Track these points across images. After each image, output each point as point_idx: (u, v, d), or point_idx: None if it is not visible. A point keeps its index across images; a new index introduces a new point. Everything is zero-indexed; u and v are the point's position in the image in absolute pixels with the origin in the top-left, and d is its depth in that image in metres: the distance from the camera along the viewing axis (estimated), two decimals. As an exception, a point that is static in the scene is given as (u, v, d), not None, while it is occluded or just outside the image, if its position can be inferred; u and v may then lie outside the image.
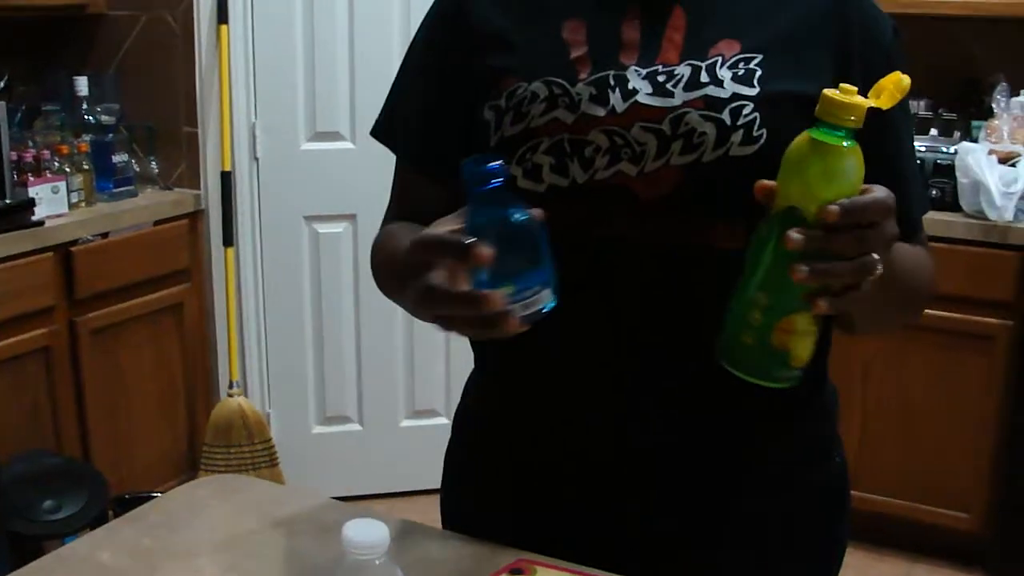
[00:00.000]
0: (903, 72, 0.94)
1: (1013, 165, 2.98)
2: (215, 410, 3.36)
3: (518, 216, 0.90)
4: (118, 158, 3.20)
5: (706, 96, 1.06)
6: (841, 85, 0.91)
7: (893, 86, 0.92)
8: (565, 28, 1.11)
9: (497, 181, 0.89)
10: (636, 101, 1.07)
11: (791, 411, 1.16)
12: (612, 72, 1.08)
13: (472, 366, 1.30)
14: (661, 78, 1.07)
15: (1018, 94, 3.18)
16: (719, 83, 1.06)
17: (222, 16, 3.26)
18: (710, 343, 1.07)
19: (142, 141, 3.36)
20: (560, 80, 1.09)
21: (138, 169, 3.31)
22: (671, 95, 1.07)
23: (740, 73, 1.07)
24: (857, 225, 0.87)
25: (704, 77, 1.07)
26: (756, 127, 1.05)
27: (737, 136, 1.04)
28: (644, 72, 1.08)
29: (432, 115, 1.20)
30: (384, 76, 3.73)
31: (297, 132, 3.43)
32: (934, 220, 3.00)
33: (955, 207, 3.03)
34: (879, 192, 0.90)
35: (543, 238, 0.92)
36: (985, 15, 3.18)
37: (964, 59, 3.47)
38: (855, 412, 3.13)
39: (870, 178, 0.92)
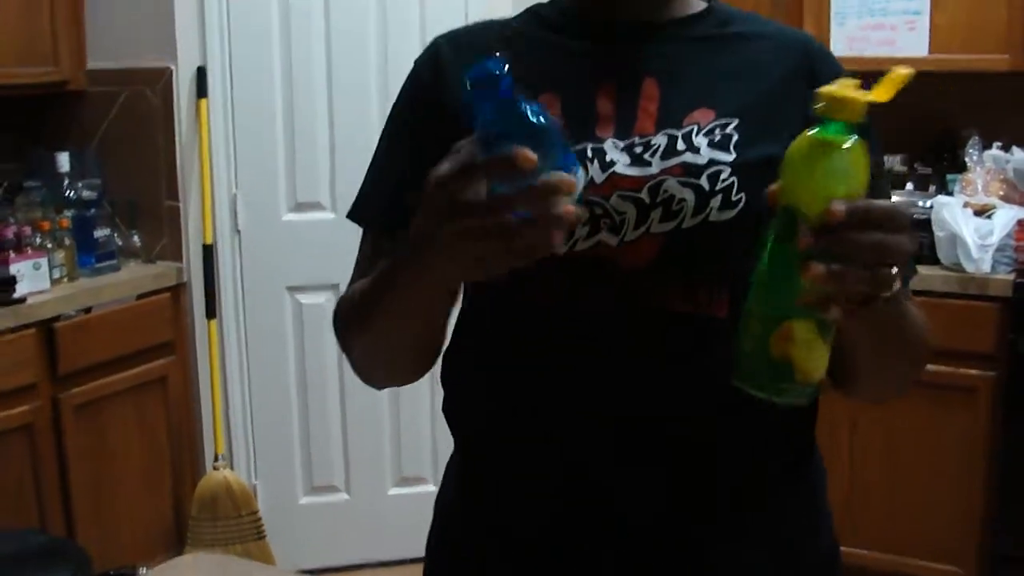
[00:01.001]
0: (869, 127, 0.94)
1: (988, 217, 3.01)
2: (201, 483, 3.34)
3: (534, 109, 0.86)
4: (100, 233, 3.20)
5: (683, 163, 1.06)
6: (840, 79, 0.88)
7: (890, 80, 0.89)
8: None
9: (507, 79, 0.84)
10: (614, 172, 1.07)
11: (777, 488, 1.15)
12: (590, 145, 1.08)
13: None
14: (638, 149, 1.08)
15: (990, 147, 3.22)
16: (696, 150, 1.07)
17: (202, 90, 3.29)
18: (696, 412, 1.07)
19: (124, 215, 3.38)
20: None
21: (120, 243, 3.31)
22: (648, 164, 1.07)
23: (716, 139, 1.07)
24: (865, 228, 0.84)
25: (681, 145, 1.07)
26: (735, 192, 1.05)
27: (716, 201, 1.05)
28: (622, 144, 1.08)
29: (409, 184, 1.13)
30: (363, 145, 3.75)
31: (278, 203, 3.44)
32: (913, 274, 3.03)
33: (933, 260, 3.06)
34: (886, 202, 0.89)
35: (555, 122, 0.88)
36: (956, 71, 3.22)
37: (937, 114, 3.51)
38: (843, 466, 3.12)
39: None
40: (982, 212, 3.04)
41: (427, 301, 1.03)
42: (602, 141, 1.09)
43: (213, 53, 3.31)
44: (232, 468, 3.43)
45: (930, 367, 3.22)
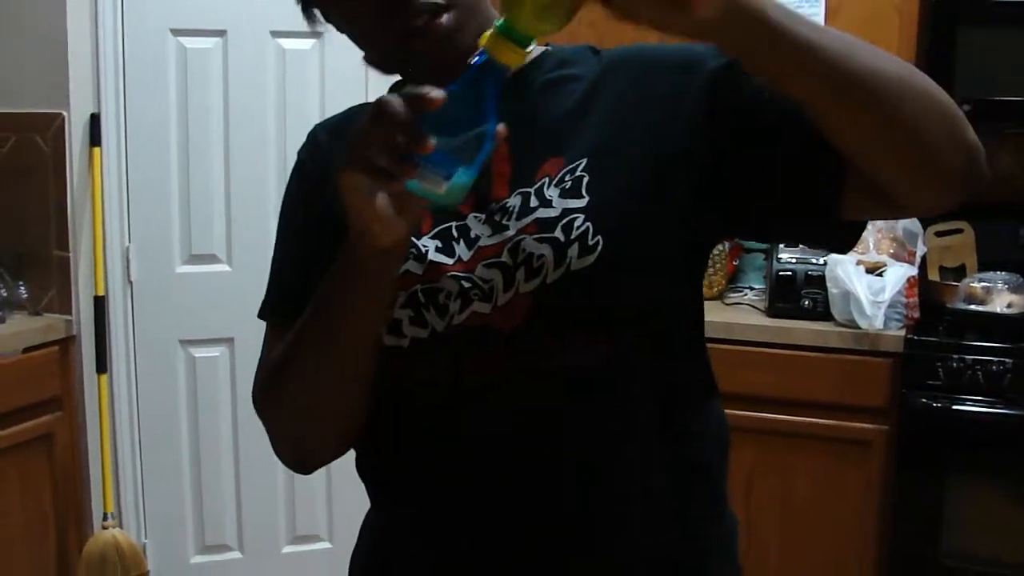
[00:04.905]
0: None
1: (880, 275, 3.07)
2: (88, 544, 3.22)
3: (485, 114, 0.89)
4: (-16, 284, 3.10)
5: (537, 219, 1.06)
6: None
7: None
8: None
9: (480, 57, 0.89)
10: (479, 246, 1.07)
11: (693, 548, 1.16)
12: (454, 224, 1.09)
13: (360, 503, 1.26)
14: (497, 216, 1.08)
15: (881, 206, 3.29)
16: (548, 203, 1.07)
17: (95, 138, 3.21)
18: (593, 463, 1.07)
19: (10, 266, 3.26)
20: None
21: (5, 295, 3.20)
22: (507, 228, 1.07)
23: (568, 187, 1.07)
24: None
25: (534, 202, 1.07)
26: (591, 236, 1.04)
27: (573, 250, 1.04)
28: (483, 217, 1.08)
29: (307, 272, 1.13)
30: (260, 197, 3.71)
31: (172, 255, 3.38)
32: (808, 330, 3.08)
33: (827, 317, 3.11)
34: None
35: (487, 146, 0.89)
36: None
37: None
38: (739, 521, 3.14)
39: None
40: (874, 270, 3.10)
41: (358, 290, 1.01)
42: (464, 217, 1.09)
43: (107, 100, 3.24)
44: (121, 527, 3.32)
45: (825, 421, 3.30)
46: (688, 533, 1.15)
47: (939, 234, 3.38)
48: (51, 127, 3.21)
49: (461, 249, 1.08)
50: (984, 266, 3.29)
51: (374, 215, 0.89)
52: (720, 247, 3.48)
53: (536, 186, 1.08)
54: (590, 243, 1.04)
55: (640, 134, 1.08)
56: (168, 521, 3.48)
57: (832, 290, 3.08)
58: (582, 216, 1.05)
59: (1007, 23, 3.09)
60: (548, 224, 1.05)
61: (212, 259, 3.39)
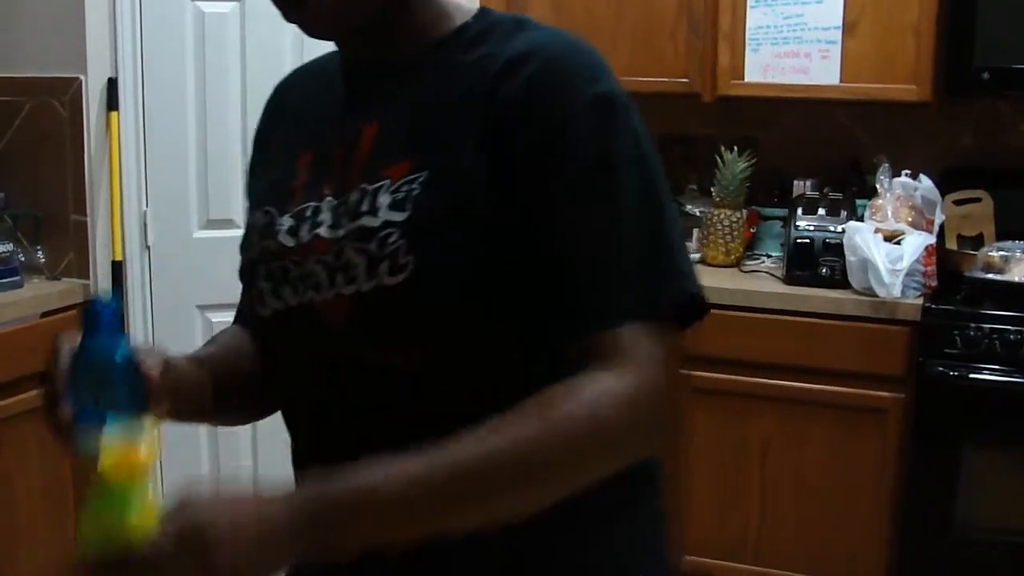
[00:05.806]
0: (603, 143, 0.99)
1: (898, 243, 3.06)
2: (105, 507, 3.24)
3: (119, 350, 1.04)
4: (2, 248, 3.10)
5: (360, 227, 1.04)
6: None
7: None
8: (301, 157, 1.14)
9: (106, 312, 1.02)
10: (317, 234, 1.08)
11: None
12: (313, 204, 1.10)
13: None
14: (340, 208, 1.07)
15: (899, 175, 3.28)
16: (374, 212, 1.04)
17: (112, 103, 3.21)
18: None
19: (28, 230, 3.28)
20: (273, 209, 1.14)
21: (23, 259, 3.21)
22: (340, 227, 1.06)
23: (399, 197, 1.03)
24: None
25: (364, 206, 1.05)
26: (402, 254, 1.01)
27: (384, 266, 1.01)
28: (335, 202, 1.08)
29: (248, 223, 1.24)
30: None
31: (189, 220, 3.38)
32: (825, 298, 3.07)
33: (844, 285, 3.11)
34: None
35: (128, 365, 1.01)
36: (866, 99, 3.29)
37: (848, 142, 3.59)
38: (754, 488, 3.15)
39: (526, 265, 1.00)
40: (892, 238, 3.09)
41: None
42: (323, 199, 1.10)
43: (125, 64, 3.24)
44: (138, 491, 3.34)
45: (842, 389, 3.30)
46: (530, 547, 1.09)
47: (957, 203, 3.37)
48: (68, 91, 3.21)
49: (304, 230, 1.10)
50: (1002, 235, 3.28)
51: None
52: (738, 214, 3.47)
53: (374, 187, 1.05)
54: (401, 261, 1.01)
55: (476, 161, 1.02)
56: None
57: (850, 258, 3.07)
58: (398, 232, 1.01)
59: (1029, -10, 3.06)
60: (367, 234, 1.03)
61: (229, 224, 3.38)
